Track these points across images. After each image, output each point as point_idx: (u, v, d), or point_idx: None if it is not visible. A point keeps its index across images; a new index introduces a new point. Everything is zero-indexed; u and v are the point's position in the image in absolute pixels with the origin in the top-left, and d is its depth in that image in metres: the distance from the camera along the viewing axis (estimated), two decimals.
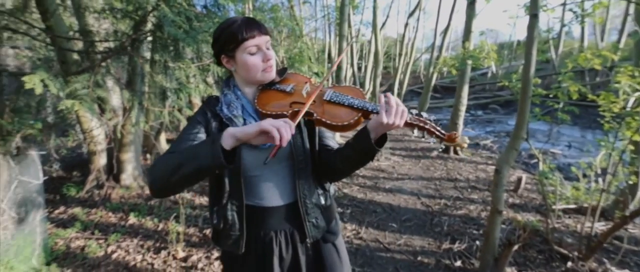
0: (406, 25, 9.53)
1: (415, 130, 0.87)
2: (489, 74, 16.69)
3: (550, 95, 2.81)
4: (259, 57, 0.91)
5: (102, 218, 2.82)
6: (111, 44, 2.55)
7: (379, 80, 8.98)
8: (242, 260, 1.00)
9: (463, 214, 3.23)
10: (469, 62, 4.51)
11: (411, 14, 9.40)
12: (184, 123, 4.61)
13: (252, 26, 0.88)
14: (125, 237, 2.52)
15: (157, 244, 2.42)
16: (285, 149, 0.94)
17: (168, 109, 2.33)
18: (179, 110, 2.45)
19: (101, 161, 3.35)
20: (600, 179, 2.76)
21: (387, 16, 11.64)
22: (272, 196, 0.98)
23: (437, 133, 0.85)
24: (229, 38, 0.88)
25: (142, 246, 2.40)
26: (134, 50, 2.46)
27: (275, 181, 0.97)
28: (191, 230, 2.64)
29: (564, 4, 2.89)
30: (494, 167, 4.88)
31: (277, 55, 7.28)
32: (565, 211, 3.18)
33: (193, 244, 2.45)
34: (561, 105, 2.71)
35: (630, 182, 2.69)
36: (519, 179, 3.81)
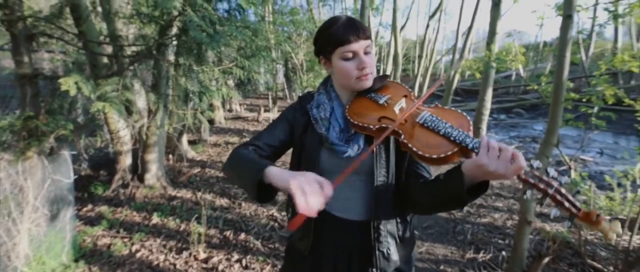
0: (427, 26, 9.37)
1: (530, 193, 0.63)
2: (513, 77, 16.14)
3: (583, 99, 2.67)
4: (354, 63, 0.84)
5: (127, 217, 2.90)
6: (138, 48, 2.64)
7: (405, 85, 8.86)
8: (301, 261, 0.97)
9: (487, 222, 3.11)
10: (494, 65, 4.37)
11: (432, 16, 9.24)
12: (205, 125, 4.70)
13: (351, 30, 0.82)
14: (148, 236, 2.58)
15: (179, 245, 2.47)
16: (366, 164, 0.86)
17: (191, 111, 2.37)
18: (201, 113, 2.49)
19: (127, 161, 3.45)
20: (639, 190, 2.59)
21: (407, 18, 11.49)
22: (344, 207, 0.91)
23: (566, 204, 0.60)
24: (326, 40, 0.86)
25: (164, 246, 2.45)
26: (159, 54, 2.54)
27: (350, 194, 0.91)
28: (212, 231, 2.67)
29: (595, 4, 2.74)
30: None
31: (296, 58, 7.34)
32: None
33: (214, 245, 2.48)
34: (595, 110, 2.57)
35: None
36: None
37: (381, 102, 0.85)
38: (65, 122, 2.02)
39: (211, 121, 6.83)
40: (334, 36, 0.83)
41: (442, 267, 2.34)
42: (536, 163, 0.64)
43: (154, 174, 3.52)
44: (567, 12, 1.94)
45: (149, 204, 3.16)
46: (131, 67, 2.29)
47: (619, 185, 3.03)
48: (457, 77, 9.02)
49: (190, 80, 2.41)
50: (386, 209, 0.88)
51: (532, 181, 0.62)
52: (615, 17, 2.52)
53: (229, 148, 5.46)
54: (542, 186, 0.62)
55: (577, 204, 0.60)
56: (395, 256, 0.90)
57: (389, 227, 0.89)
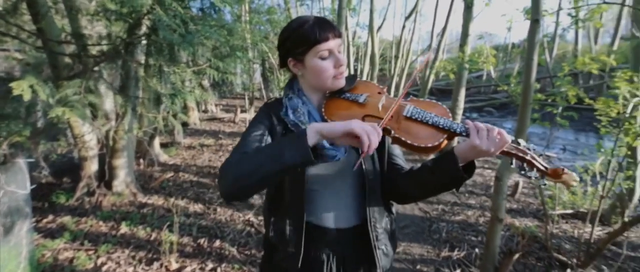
0: (403, 27, 9.55)
1: (513, 161, 0.75)
2: (484, 77, 16.80)
3: (549, 100, 2.80)
4: (331, 61, 0.83)
5: (93, 227, 2.74)
6: (104, 48, 2.49)
7: (374, 82, 8.98)
8: None
9: (461, 219, 3.20)
10: (467, 66, 4.52)
11: (408, 17, 9.41)
12: (178, 128, 4.54)
13: (326, 28, 0.81)
14: (116, 247, 2.44)
15: (150, 255, 2.35)
16: (353, 165, 0.85)
17: (163, 114, 2.26)
18: (174, 116, 2.38)
19: (92, 167, 3.26)
20: (598, 185, 2.76)
21: (384, 19, 11.67)
22: (337, 216, 0.88)
23: (539, 166, 0.73)
24: (299, 40, 0.82)
25: (133, 258, 2.33)
26: (127, 54, 2.40)
27: (340, 200, 0.88)
28: (185, 239, 2.57)
29: (559, 10, 2.89)
30: (490, 170, 4.89)
31: (273, 57, 7.24)
32: (562, 216, 3.17)
33: (187, 254, 2.38)
34: (560, 110, 2.70)
35: (626, 188, 2.69)
36: (516, 184, 3.79)
37: (361, 101, 0.86)
38: (21, 127, 1.86)
39: (185, 123, 6.62)
40: (310, 35, 0.80)
41: (418, 266, 2.38)
42: (510, 137, 0.76)
43: (122, 180, 3.34)
44: (534, 16, 2.02)
45: (117, 212, 2.99)
46: (96, 68, 2.14)
47: (580, 180, 3.21)
48: (432, 77, 9.28)
49: (160, 81, 2.29)
50: (378, 206, 0.89)
51: (513, 152, 0.74)
52: (577, 21, 2.66)
53: (203, 150, 5.30)
54: (520, 154, 0.74)
55: (546, 165, 0.73)
56: (391, 251, 0.92)
57: (384, 224, 0.91)
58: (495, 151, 0.73)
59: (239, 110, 8.30)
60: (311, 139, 0.69)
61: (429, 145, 0.75)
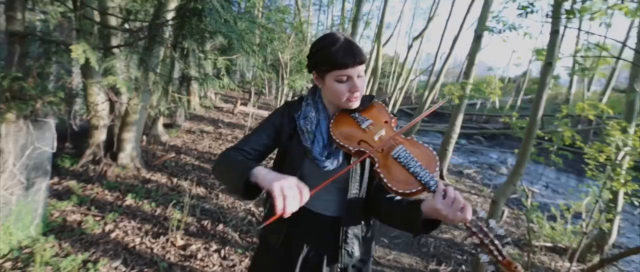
0: (410, 46, 9.80)
1: (469, 239, 0.76)
2: (477, 106, 17.31)
3: (546, 138, 3.01)
4: (347, 86, 0.90)
5: (98, 195, 2.77)
6: (140, 24, 2.53)
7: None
8: (274, 252, 1.04)
9: (448, 238, 3.36)
10: (468, 93, 4.75)
11: (416, 37, 9.67)
12: (184, 110, 4.54)
13: (349, 55, 0.86)
14: (122, 217, 2.49)
15: (156, 229, 2.41)
16: (343, 176, 0.92)
17: (190, 96, 2.32)
18: (202, 98, 2.45)
19: (101, 136, 3.28)
20: (582, 222, 2.97)
21: (391, 35, 11.95)
22: (320, 205, 0.99)
23: (495, 252, 0.71)
24: (323, 59, 0.89)
25: (140, 229, 2.38)
26: (161, 34, 2.45)
27: (326, 196, 0.98)
28: (189, 219, 2.63)
29: (573, 55, 3.12)
30: (476, 196, 5.10)
31: (282, 57, 7.35)
32: (541, 248, 3.38)
33: (191, 233, 2.45)
34: (555, 148, 2.91)
35: (607, 229, 2.91)
36: (502, 213, 4.00)
37: (363, 126, 0.91)
38: (57, 88, 1.91)
39: (188, 107, 6.62)
40: (333, 59, 0.86)
41: None
42: (482, 213, 0.76)
43: (128, 153, 3.38)
44: (548, 59, 2.21)
45: (122, 184, 3.03)
46: (138, 43, 2.19)
47: (562, 217, 3.43)
48: (431, 98, 9.55)
49: (193, 65, 2.37)
50: (355, 215, 0.99)
51: (474, 230, 0.74)
52: (583, 70, 2.88)
53: (203, 136, 5.34)
54: (480, 235, 0.73)
55: (504, 252, 0.72)
56: (357, 253, 1.01)
57: (356, 230, 1.00)
58: (455, 221, 0.73)
59: (239, 102, 8.33)
60: (252, 178, 0.78)
61: (400, 190, 0.77)
